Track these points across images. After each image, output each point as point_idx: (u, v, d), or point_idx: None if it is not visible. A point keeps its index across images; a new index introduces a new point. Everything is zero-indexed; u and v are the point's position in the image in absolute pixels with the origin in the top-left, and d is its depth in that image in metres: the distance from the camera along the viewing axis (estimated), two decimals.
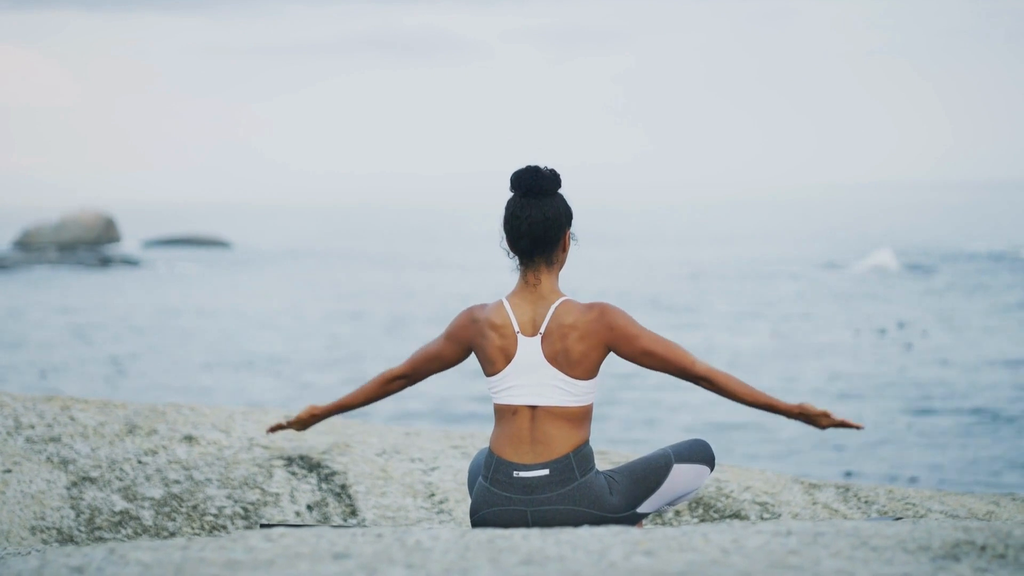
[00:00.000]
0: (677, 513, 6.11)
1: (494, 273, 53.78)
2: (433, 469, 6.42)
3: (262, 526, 4.50)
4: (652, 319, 35.44)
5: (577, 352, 4.30)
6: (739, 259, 61.98)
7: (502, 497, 4.31)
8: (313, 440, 6.60)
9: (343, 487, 6.21)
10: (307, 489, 6.18)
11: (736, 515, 6.10)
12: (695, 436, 4.70)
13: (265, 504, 6.07)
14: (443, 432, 7.09)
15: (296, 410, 6.23)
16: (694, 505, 6.15)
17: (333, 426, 6.91)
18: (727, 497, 6.21)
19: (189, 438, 6.46)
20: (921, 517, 6.16)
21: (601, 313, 4.34)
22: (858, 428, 4.34)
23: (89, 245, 61.69)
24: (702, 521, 6.11)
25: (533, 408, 4.32)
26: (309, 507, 6.09)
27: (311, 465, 6.33)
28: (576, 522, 4.22)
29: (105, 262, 54.68)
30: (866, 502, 6.27)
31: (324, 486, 6.21)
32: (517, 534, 2.92)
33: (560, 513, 4.26)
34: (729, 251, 69.35)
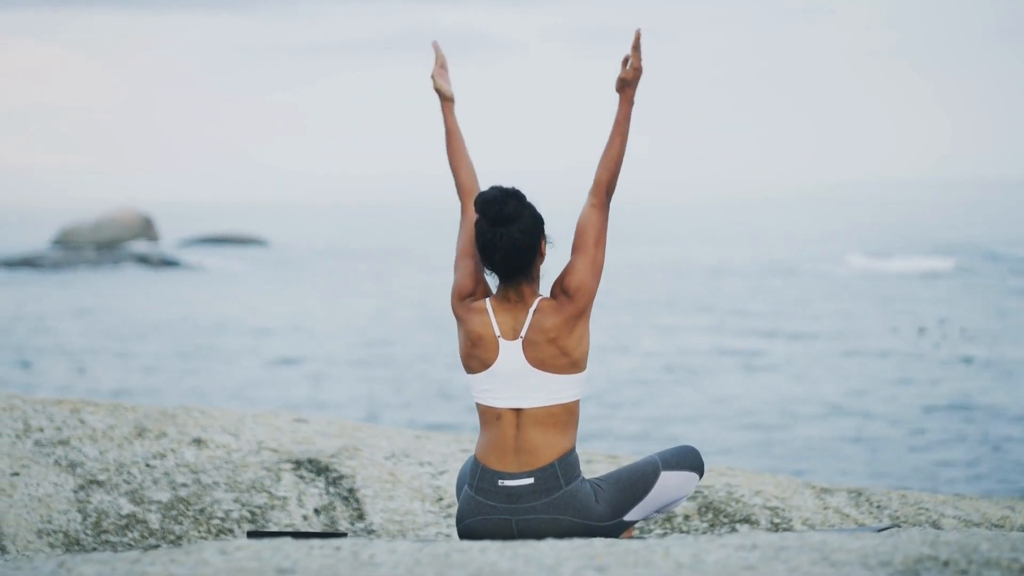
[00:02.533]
0: (686, 518, 6.06)
1: None
2: (442, 473, 6.40)
3: (249, 535, 4.49)
4: (704, 320, 35.36)
5: (568, 348, 4.29)
6: (764, 257, 61.69)
7: (487, 506, 4.29)
8: (322, 444, 6.59)
9: (351, 491, 6.20)
10: (315, 493, 6.17)
11: (746, 520, 6.05)
12: (683, 443, 4.66)
13: (272, 508, 6.05)
14: (453, 436, 7.07)
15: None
16: (703, 510, 6.10)
17: (343, 429, 6.90)
18: (737, 502, 6.16)
19: (198, 441, 6.45)
20: (929, 524, 6.10)
21: (568, 303, 4.34)
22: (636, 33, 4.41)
23: (127, 244, 61.96)
24: (711, 526, 6.07)
25: (517, 412, 4.31)
26: (316, 511, 6.08)
27: (319, 469, 6.31)
28: (561, 531, 4.19)
29: (143, 261, 54.84)
30: (878, 507, 6.21)
31: (332, 490, 6.20)
32: (475, 547, 2.90)
33: (545, 522, 4.23)
34: (750, 250, 69.05)
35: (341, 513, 6.08)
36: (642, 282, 48.38)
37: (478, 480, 4.33)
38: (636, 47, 4.44)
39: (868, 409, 20.91)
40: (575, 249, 4.40)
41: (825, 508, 6.18)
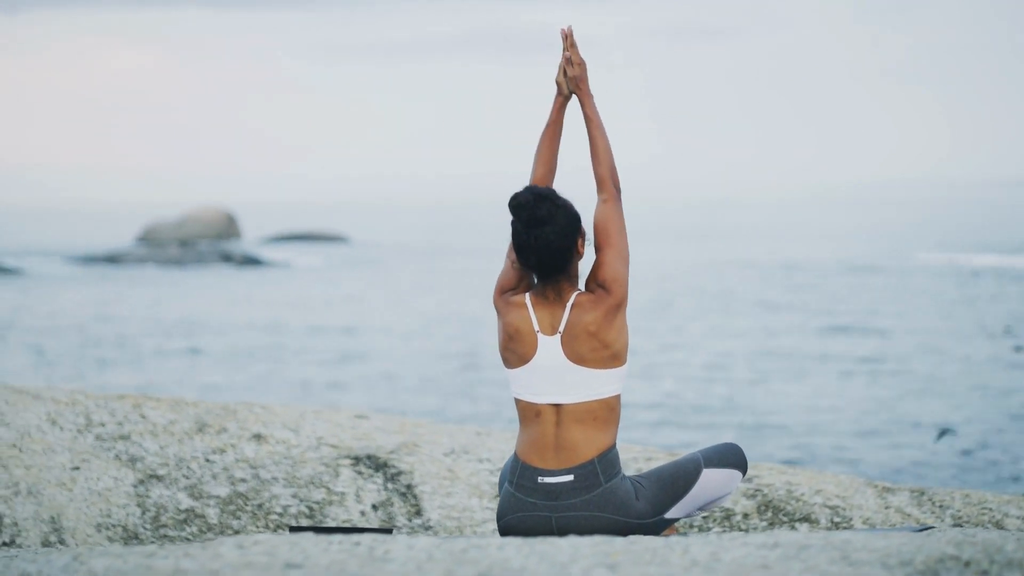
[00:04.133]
0: (746, 516, 6.01)
1: None
2: (500, 470, 6.38)
3: (291, 529, 4.50)
4: (796, 318, 35.12)
5: (607, 341, 4.27)
6: (834, 254, 61.11)
7: (527, 503, 4.28)
8: (381, 440, 6.60)
9: (408, 487, 6.20)
10: (373, 489, 6.18)
11: (806, 519, 5.99)
12: (727, 440, 4.62)
13: (330, 503, 6.07)
14: (512, 433, 7.05)
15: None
16: (763, 508, 6.05)
17: (403, 425, 6.91)
18: (797, 500, 6.10)
19: (258, 437, 6.49)
20: (992, 524, 6.00)
21: (605, 296, 4.32)
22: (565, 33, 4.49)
23: (210, 241, 62.53)
24: (771, 525, 6.01)
25: (557, 408, 4.29)
26: (374, 507, 6.09)
27: (377, 465, 6.32)
28: (601, 528, 4.17)
29: (225, 258, 55.26)
30: (940, 507, 6.12)
31: (390, 486, 6.20)
32: (493, 544, 2.88)
33: (584, 519, 4.21)
34: (808, 247, 68.42)
35: (398, 509, 6.08)
36: (724, 281, 48.10)
37: (518, 477, 4.31)
38: (572, 44, 4.53)
39: (955, 412, 20.62)
40: (599, 246, 4.39)
41: (886, 508, 6.10)
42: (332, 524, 5.99)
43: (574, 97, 4.58)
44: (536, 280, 4.39)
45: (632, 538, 3.06)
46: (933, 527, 5.45)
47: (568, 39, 4.53)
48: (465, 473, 6.34)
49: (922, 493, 6.26)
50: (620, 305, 4.30)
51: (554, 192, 4.34)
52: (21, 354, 28.14)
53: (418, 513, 6.07)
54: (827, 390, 22.87)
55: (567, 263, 4.34)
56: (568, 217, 4.32)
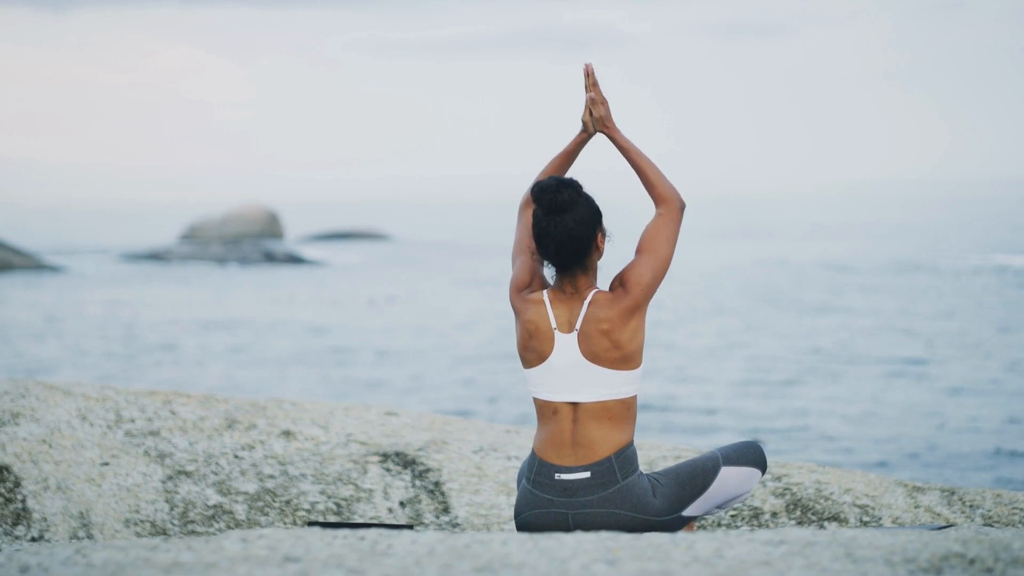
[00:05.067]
0: (774, 515, 5.98)
1: None
2: None
3: (309, 524, 4.51)
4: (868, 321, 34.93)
5: (620, 342, 4.26)
6: (882, 253, 60.71)
7: (543, 499, 4.27)
8: (411, 437, 6.60)
9: (436, 484, 6.20)
10: (400, 486, 6.18)
11: (835, 518, 5.96)
12: (746, 439, 4.59)
13: (358, 500, 6.08)
14: None
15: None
16: (791, 507, 6.02)
17: (433, 422, 6.91)
18: (826, 499, 6.06)
19: (287, 433, 6.50)
20: (1023, 524, 5.95)
21: (624, 295, 4.30)
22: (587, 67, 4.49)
23: (253, 239, 62.77)
24: (799, 524, 5.98)
25: (574, 406, 4.29)
26: (402, 504, 6.09)
27: (406, 462, 6.32)
28: (617, 525, 4.16)
29: (268, 256, 55.41)
30: (971, 506, 6.07)
31: (418, 483, 6.21)
32: (497, 539, 2.87)
33: (601, 516, 4.20)
34: (849, 245, 67.99)
35: (426, 506, 6.09)
36: (776, 280, 47.88)
37: (535, 473, 4.31)
38: (595, 83, 4.51)
39: (995, 411, 20.44)
40: (640, 250, 4.37)
41: (916, 507, 6.06)
42: (359, 521, 6.00)
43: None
44: (555, 272, 4.37)
45: (636, 535, 3.05)
46: (952, 525, 5.41)
47: (590, 77, 4.50)
48: (493, 471, 6.34)
49: (953, 493, 6.21)
50: (637, 307, 4.28)
51: (578, 183, 4.33)
52: (61, 351, 28.34)
53: (445, 510, 6.07)
54: (867, 391, 22.73)
55: (585, 255, 4.32)
56: (590, 208, 4.32)
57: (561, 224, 4.27)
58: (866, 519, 5.96)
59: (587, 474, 4.24)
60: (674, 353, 27.30)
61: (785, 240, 75.92)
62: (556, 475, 4.27)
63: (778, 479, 6.19)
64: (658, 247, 4.36)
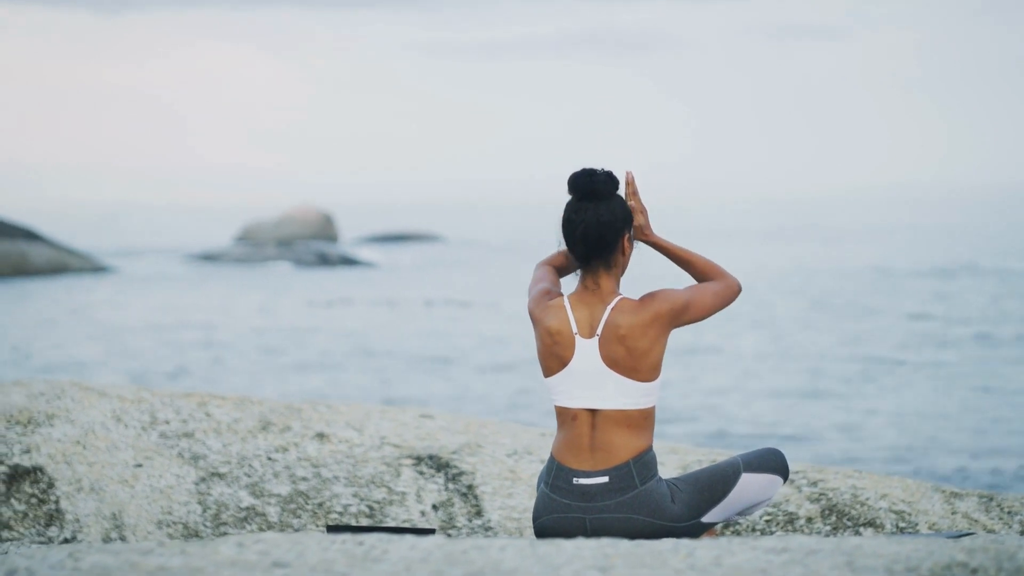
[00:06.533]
0: (809, 520, 5.93)
1: None
2: None
3: (328, 528, 4.51)
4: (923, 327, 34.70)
5: (636, 352, 4.23)
6: (921, 257, 60.11)
7: (561, 504, 4.25)
8: (445, 440, 6.59)
9: (470, 487, 6.19)
10: (433, 489, 6.17)
11: (870, 523, 5.90)
12: (768, 446, 4.54)
13: (391, 503, 6.08)
14: None
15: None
16: (826, 512, 5.96)
17: (468, 425, 6.89)
18: (862, 505, 6.00)
19: (321, 435, 6.50)
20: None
21: (650, 303, 4.26)
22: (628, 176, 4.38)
23: (306, 241, 63.02)
24: (834, 529, 5.92)
25: (593, 413, 4.27)
26: (435, 507, 6.08)
27: (439, 465, 6.31)
28: (635, 531, 4.13)
29: (322, 259, 55.58)
30: (1009, 513, 6.00)
31: (451, 486, 6.19)
32: (495, 545, 2.85)
33: (618, 521, 4.17)
34: (887, 248, 67.36)
35: (459, 510, 6.07)
36: (826, 285, 47.55)
37: (553, 478, 4.30)
38: (634, 192, 4.42)
39: None
40: (686, 288, 4.34)
41: (953, 513, 5.99)
42: (392, 524, 5.99)
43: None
44: (577, 265, 4.36)
45: (639, 541, 3.02)
46: (972, 533, 5.34)
47: (630, 186, 4.42)
48: (527, 474, 6.32)
49: (991, 499, 6.14)
50: (659, 318, 4.23)
51: (614, 175, 4.32)
52: (106, 353, 28.52)
53: (478, 514, 6.05)
54: (916, 395, 22.53)
55: (610, 250, 4.29)
56: (622, 205, 4.31)
57: (592, 210, 4.26)
58: (902, 525, 5.89)
59: (605, 479, 4.22)
60: (715, 358, 27.13)
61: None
62: (574, 479, 4.25)
63: (814, 484, 6.13)
64: (703, 292, 4.33)
